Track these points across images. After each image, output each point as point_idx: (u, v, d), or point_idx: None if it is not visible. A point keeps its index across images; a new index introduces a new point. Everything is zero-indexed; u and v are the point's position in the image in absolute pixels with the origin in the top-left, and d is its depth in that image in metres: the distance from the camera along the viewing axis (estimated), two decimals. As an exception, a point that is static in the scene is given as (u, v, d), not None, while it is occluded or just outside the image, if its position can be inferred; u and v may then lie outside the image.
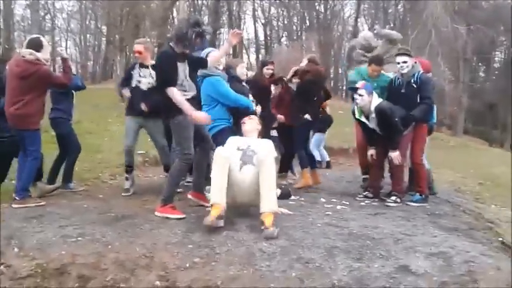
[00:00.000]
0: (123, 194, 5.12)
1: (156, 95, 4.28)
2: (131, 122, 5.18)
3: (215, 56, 4.48)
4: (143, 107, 4.94)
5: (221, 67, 4.79)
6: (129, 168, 5.24)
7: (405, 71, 5.17)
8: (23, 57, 4.39)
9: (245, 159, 3.92)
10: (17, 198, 4.41)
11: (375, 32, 6.29)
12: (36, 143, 4.54)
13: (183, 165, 4.08)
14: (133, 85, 5.12)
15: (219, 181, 3.67)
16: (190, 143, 4.03)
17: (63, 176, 5.32)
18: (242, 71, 5.19)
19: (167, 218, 3.88)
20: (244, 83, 5.22)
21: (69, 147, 5.34)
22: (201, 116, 3.98)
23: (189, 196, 4.44)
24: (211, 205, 3.64)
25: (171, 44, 4.01)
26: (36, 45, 4.46)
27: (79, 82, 5.42)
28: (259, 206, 3.63)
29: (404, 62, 5.14)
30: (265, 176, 3.65)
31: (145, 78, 5.06)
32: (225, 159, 3.73)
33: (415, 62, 5.27)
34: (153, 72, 4.92)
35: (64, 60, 4.71)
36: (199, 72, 4.65)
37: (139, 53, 5.11)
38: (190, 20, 3.99)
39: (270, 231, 3.41)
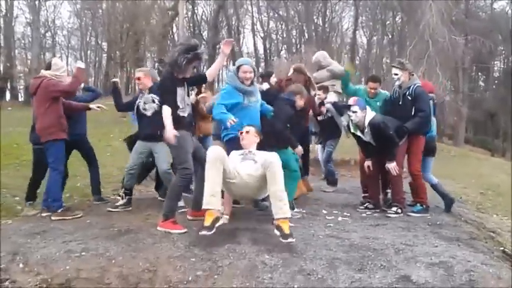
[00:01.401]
0: (108, 208, 5.13)
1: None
2: (139, 145, 5.28)
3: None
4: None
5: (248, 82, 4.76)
6: (126, 191, 5.26)
7: (397, 83, 5.29)
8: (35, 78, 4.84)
9: (245, 158, 4.08)
10: (54, 210, 4.58)
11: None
12: (55, 155, 4.63)
13: (183, 181, 4.14)
14: (140, 112, 5.25)
15: (211, 184, 3.69)
16: (188, 158, 4.12)
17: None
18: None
19: (169, 232, 3.91)
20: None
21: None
22: (168, 136, 4.06)
23: (189, 217, 4.50)
24: (205, 211, 3.67)
25: (169, 69, 4.18)
26: (47, 66, 4.91)
27: (88, 98, 5.70)
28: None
29: (395, 74, 5.27)
30: (276, 182, 3.69)
31: (148, 104, 5.17)
32: (217, 158, 3.72)
33: (412, 75, 5.35)
34: (155, 96, 5.10)
35: (77, 69, 4.88)
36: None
37: (138, 79, 5.28)
38: (183, 46, 4.14)
39: (290, 239, 3.50)
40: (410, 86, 5.22)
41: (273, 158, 3.77)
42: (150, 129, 4.96)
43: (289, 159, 4.90)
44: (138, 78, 5.28)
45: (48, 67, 4.83)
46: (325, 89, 7.03)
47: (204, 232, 3.51)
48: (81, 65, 5.10)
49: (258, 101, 4.76)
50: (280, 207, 3.66)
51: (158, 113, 4.36)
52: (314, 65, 6.46)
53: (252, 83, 4.66)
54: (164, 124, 4.06)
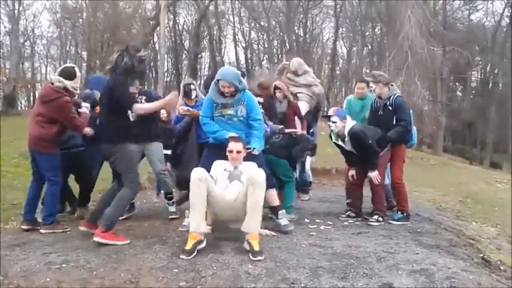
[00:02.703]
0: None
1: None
2: None
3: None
4: None
5: None
6: None
7: (374, 94, 5.57)
8: (52, 83, 4.52)
9: (232, 178, 3.99)
10: (46, 224, 4.48)
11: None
12: (53, 168, 4.53)
13: (131, 193, 4.17)
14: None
15: (197, 207, 3.68)
16: (137, 173, 4.23)
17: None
18: None
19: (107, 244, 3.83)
20: None
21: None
22: (170, 99, 4.39)
23: (81, 227, 4.33)
24: (189, 233, 3.65)
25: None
26: (69, 74, 4.58)
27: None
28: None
29: (370, 86, 5.63)
30: (254, 195, 3.67)
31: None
32: (200, 180, 3.69)
33: (391, 85, 5.47)
34: (143, 97, 4.97)
35: (83, 114, 4.75)
36: None
37: None
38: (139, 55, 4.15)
39: (259, 258, 3.45)
40: (390, 96, 5.33)
41: (257, 175, 3.74)
42: (139, 131, 4.88)
43: (286, 169, 5.12)
44: None
45: (72, 77, 4.57)
46: (295, 97, 7.01)
47: (183, 256, 3.47)
48: (85, 109, 4.85)
49: (236, 115, 4.41)
50: (250, 222, 3.65)
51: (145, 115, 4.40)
52: (293, 72, 6.46)
53: (232, 95, 4.31)
54: (156, 108, 4.38)
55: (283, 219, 4.47)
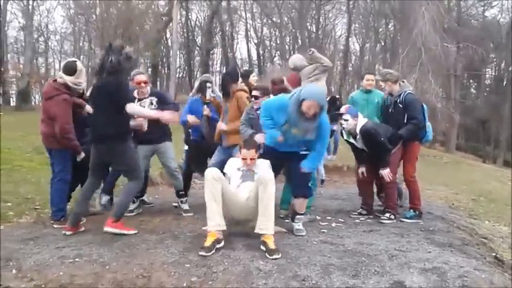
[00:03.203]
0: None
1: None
2: (142, 150, 5.07)
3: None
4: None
5: None
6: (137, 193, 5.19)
7: (385, 92, 5.54)
8: (54, 80, 4.51)
9: (245, 178, 4.01)
10: (56, 219, 4.49)
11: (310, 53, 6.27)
12: (62, 164, 4.53)
13: (137, 185, 4.23)
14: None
15: (213, 207, 3.70)
16: (139, 164, 4.27)
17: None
18: None
19: (119, 234, 3.99)
20: None
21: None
22: (169, 116, 4.25)
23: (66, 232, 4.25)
24: (208, 231, 3.67)
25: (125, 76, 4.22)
26: (69, 70, 4.49)
27: None
28: (255, 222, 3.69)
29: (381, 84, 5.51)
30: (265, 195, 3.68)
31: (148, 107, 4.99)
32: (215, 180, 3.73)
33: (403, 81, 5.43)
34: (154, 99, 5.05)
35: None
36: None
37: (146, 82, 5.09)
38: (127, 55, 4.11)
39: (275, 256, 3.45)
40: (401, 94, 5.29)
41: (267, 176, 3.75)
42: (151, 131, 4.88)
43: None
44: (146, 82, 5.08)
45: (72, 72, 4.47)
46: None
47: (202, 253, 3.48)
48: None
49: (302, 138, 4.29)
50: (264, 223, 3.66)
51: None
52: (293, 69, 6.30)
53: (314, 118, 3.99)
54: (149, 116, 4.36)
55: (299, 223, 4.41)
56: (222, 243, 3.65)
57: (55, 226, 4.42)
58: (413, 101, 5.29)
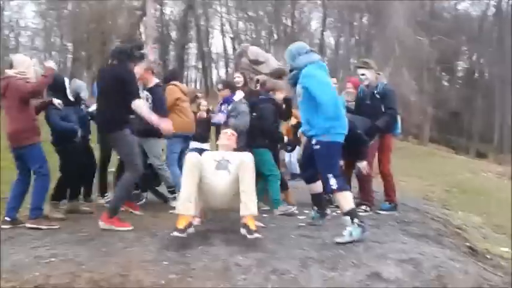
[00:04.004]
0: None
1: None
2: None
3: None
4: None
5: None
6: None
7: (366, 82, 5.38)
8: (3, 78, 4.44)
9: (219, 167, 3.99)
10: (32, 217, 4.35)
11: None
12: (38, 159, 4.40)
13: (133, 176, 4.21)
14: None
15: (187, 190, 3.71)
16: (137, 155, 4.25)
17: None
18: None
19: (114, 230, 4.04)
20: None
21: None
22: (166, 126, 4.22)
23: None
24: (178, 215, 3.68)
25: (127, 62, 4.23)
26: (9, 64, 4.54)
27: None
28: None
29: (362, 74, 5.37)
30: (246, 180, 3.73)
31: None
32: (194, 164, 3.77)
33: (379, 74, 5.46)
34: (148, 94, 5.06)
35: (48, 69, 4.51)
36: None
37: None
38: (135, 43, 4.24)
39: (256, 235, 3.53)
40: (377, 85, 5.31)
41: (245, 158, 3.85)
42: (142, 125, 4.75)
43: (267, 160, 5.08)
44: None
45: (10, 66, 4.52)
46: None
47: (176, 233, 3.49)
48: (52, 64, 4.69)
49: None
50: (246, 204, 3.69)
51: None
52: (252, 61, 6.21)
53: None
54: (148, 119, 4.14)
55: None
56: (192, 229, 3.70)
57: (28, 225, 4.29)
58: (391, 92, 5.34)
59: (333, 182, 3.78)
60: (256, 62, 5.97)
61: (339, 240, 3.71)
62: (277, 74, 5.87)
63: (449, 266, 3.21)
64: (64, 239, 3.80)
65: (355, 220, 3.76)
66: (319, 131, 3.84)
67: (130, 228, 4.13)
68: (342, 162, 5.37)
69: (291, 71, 4.16)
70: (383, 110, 5.23)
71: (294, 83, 4.08)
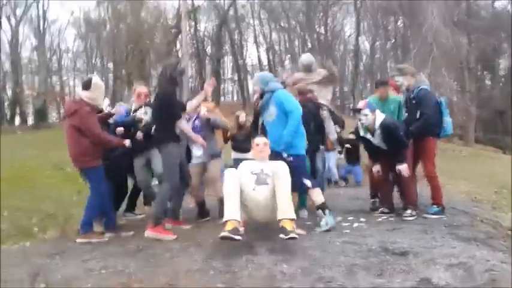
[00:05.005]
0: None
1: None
2: (139, 160, 5.36)
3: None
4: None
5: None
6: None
7: (403, 88, 5.39)
8: (74, 98, 4.71)
9: (259, 181, 4.03)
10: (80, 232, 4.56)
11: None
12: (94, 180, 4.60)
13: (169, 187, 4.51)
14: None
15: (231, 199, 3.84)
16: (175, 169, 4.54)
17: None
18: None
19: (158, 239, 4.24)
20: None
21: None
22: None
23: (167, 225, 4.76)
24: (225, 222, 3.76)
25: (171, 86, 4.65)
26: (84, 84, 4.65)
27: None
28: (275, 222, 3.84)
29: (397, 81, 5.40)
30: (282, 189, 3.86)
31: (145, 117, 5.28)
32: (235, 177, 3.93)
33: (415, 76, 5.39)
34: (148, 109, 5.24)
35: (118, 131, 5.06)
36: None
37: (146, 95, 5.50)
38: (177, 68, 4.72)
39: (292, 235, 3.61)
40: (414, 89, 5.25)
41: (280, 166, 3.99)
42: (145, 140, 5.18)
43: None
44: (146, 95, 5.47)
45: (87, 87, 4.54)
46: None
47: (225, 234, 3.59)
48: (127, 143, 4.81)
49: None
50: (284, 210, 3.80)
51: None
52: (305, 68, 6.09)
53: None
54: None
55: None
56: (241, 233, 3.74)
57: (78, 240, 4.45)
58: (425, 97, 5.23)
59: (307, 182, 4.54)
60: (309, 69, 5.95)
61: (318, 229, 4.42)
62: (331, 79, 5.93)
63: (501, 269, 3.09)
64: (113, 252, 3.92)
65: (327, 211, 4.51)
66: (289, 146, 4.57)
67: (174, 237, 4.30)
68: (378, 167, 5.31)
69: (261, 95, 4.78)
70: (418, 115, 5.15)
71: (267, 104, 4.71)
